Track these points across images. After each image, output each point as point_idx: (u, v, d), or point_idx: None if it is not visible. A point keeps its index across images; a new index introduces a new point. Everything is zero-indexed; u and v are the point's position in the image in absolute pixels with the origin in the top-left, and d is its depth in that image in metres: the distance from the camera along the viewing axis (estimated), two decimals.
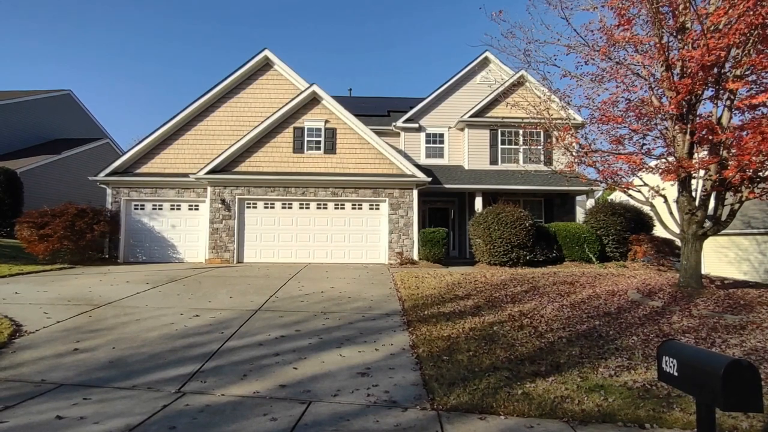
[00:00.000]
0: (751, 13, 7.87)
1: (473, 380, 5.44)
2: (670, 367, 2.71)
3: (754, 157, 8.38)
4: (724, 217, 10.12)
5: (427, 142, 19.83)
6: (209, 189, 15.85)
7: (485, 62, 20.18)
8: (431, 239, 15.12)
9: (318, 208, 16.25)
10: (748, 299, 9.67)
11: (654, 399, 5.00)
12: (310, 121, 16.40)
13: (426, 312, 8.65)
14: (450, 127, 19.69)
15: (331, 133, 16.39)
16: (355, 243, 16.11)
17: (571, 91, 11.10)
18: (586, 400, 4.98)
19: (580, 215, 19.05)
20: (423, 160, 19.39)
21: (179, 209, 16.60)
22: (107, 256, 15.92)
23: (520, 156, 17.88)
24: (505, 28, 14.36)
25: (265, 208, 16.17)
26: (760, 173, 9.38)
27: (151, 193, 16.30)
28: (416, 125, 19.75)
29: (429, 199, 18.78)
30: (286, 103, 16.18)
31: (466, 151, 18.98)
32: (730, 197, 10.16)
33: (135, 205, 16.46)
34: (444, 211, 19.84)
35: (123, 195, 16.25)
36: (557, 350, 6.63)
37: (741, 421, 4.48)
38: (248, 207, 16.14)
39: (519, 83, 17.38)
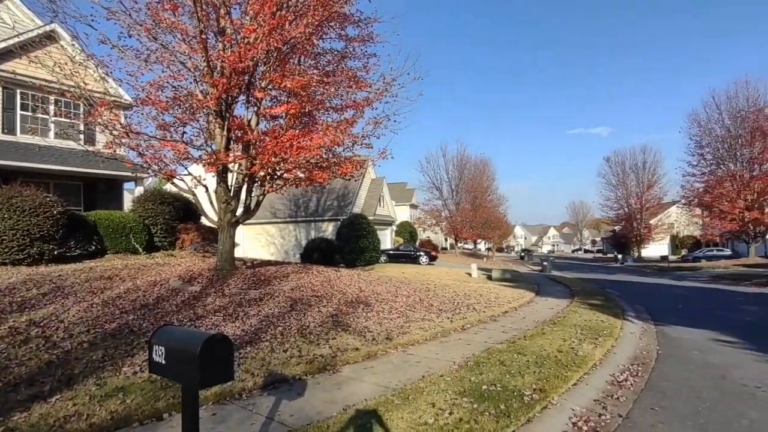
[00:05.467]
0: (274, 35, 9.40)
1: None
2: (159, 355, 2.49)
3: (272, 158, 10.14)
4: (253, 206, 11.83)
5: None
6: None
7: None
8: None
9: None
10: (268, 275, 11.71)
11: (177, 386, 4.93)
12: None
13: None
14: None
15: None
16: None
17: (112, 62, 9.84)
18: (99, 410, 4.30)
19: (129, 204, 17.68)
20: None
21: None
22: None
23: (52, 129, 14.56)
24: None
25: None
26: (277, 172, 11.54)
27: None
28: None
29: None
30: None
31: None
32: (257, 190, 11.96)
33: None
34: None
35: None
36: (74, 359, 5.54)
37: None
38: None
39: (50, 38, 14.05)
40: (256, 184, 11.61)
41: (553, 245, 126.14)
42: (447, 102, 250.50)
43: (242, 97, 11.02)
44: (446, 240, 58.33)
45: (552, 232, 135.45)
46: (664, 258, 46.69)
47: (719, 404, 4.86)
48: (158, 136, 10.46)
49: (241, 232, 27.09)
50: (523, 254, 63.77)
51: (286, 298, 9.57)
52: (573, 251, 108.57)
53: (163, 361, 2.45)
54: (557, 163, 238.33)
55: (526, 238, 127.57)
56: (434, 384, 5.18)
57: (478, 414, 4.30)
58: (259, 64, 10.47)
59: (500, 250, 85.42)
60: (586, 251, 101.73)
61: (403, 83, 11.19)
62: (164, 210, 14.95)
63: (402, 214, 47.44)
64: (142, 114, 10.70)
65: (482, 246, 69.13)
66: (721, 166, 38.20)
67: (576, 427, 4.23)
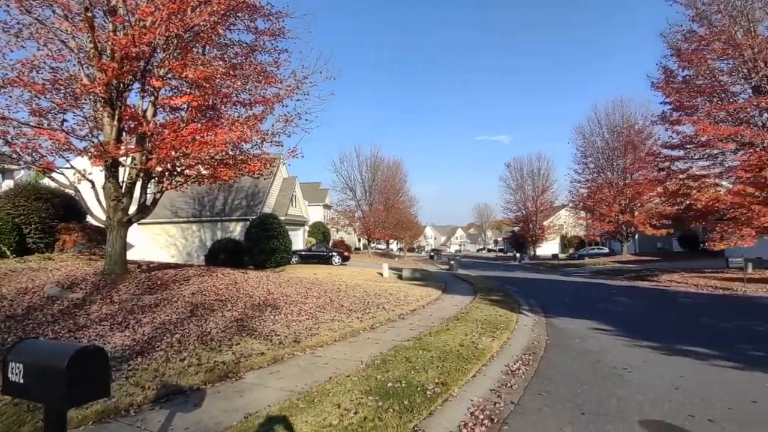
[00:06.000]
0: (174, 20, 8.73)
1: None
2: (16, 374, 2.16)
3: (171, 152, 9.41)
4: (149, 204, 10.87)
5: None
6: None
7: None
8: None
9: None
10: (165, 279, 10.85)
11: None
12: None
13: None
14: None
15: None
16: None
17: None
18: None
19: None
20: None
21: None
22: None
23: None
24: None
25: None
26: (177, 168, 10.75)
27: None
28: None
29: None
30: None
31: None
32: (153, 186, 11.03)
33: None
34: None
35: None
36: None
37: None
38: None
39: None
40: (152, 180, 10.69)
41: (460, 245, 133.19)
42: (363, 104, 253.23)
43: (137, 85, 10.10)
44: (359, 240, 58.82)
45: (459, 232, 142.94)
46: (554, 256, 51.64)
47: (594, 386, 5.45)
48: (32, 123, 9.18)
49: (136, 233, 24.85)
50: (432, 254, 66.47)
51: (186, 303, 8.94)
52: (478, 250, 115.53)
53: (21, 380, 2.12)
54: (465, 167, 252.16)
55: (435, 239, 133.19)
56: (341, 385, 5.16)
57: (383, 411, 4.36)
58: (158, 51, 9.69)
59: (411, 250, 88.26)
60: (489, 250, 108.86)
61: (315, 82, 11.05)
62: (40, 207, 13.16)
63: (315, 214, 46.89)
64: (12, 97, 9.32)
65: (394, 246, 70.84)
66: (601, 174, 43.20)
67: (473, 416, 4.47)
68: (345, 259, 29.23)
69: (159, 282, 10.26)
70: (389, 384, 5.15)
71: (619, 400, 4.94)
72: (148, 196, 10.78)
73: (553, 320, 10.39)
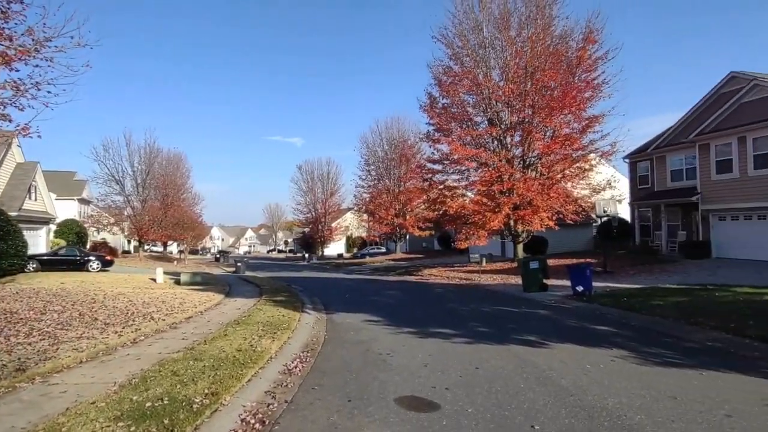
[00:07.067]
0: None
1: None
2: None
3: None
4: None
5: None
6: None
7: None
8: None
9: None
10: None
11: None
12: None
13: None
14: None
15: None
16: None
17: None
18: None
19: None
20: None
21: None
22: None
23: None
24: None
25: None
26: None
27: None
28: None
29: None
30: None
31: None
32: None
33: None
34: None
35: None
36: None
37: None
38: None
39: None
40: None
41: (251, 246, 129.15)
42: (137, 90, 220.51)
43: None
44: (129, 242, 50.94)
45: (250, 233, 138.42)
46: (340, 256, 55.07)
47: (361, 373, 5.93)
48: None
49: None
50: (218, 256, 62.45)
51: None
52: (268, 251, 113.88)
53: None
54: (257, 166, 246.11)
55: (223, 240, 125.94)
56: (81, 415, 4.26)
57: None
58: None
59: (195, 252, 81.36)
60: (279, 251, 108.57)
61: (62, 47, 8.93)
62: None
63: (68, 210, 38.33)
64: None
65: (174, 248, 63.91)
66: (381, 182, 48.40)
67: (244, 423, 4.29)
68: (107, 263, 24.80)
69: None
70: (148, 404, 4.51)
71: (381, 383, 5.49)
72: None
73: (333, 316, 10.96)
